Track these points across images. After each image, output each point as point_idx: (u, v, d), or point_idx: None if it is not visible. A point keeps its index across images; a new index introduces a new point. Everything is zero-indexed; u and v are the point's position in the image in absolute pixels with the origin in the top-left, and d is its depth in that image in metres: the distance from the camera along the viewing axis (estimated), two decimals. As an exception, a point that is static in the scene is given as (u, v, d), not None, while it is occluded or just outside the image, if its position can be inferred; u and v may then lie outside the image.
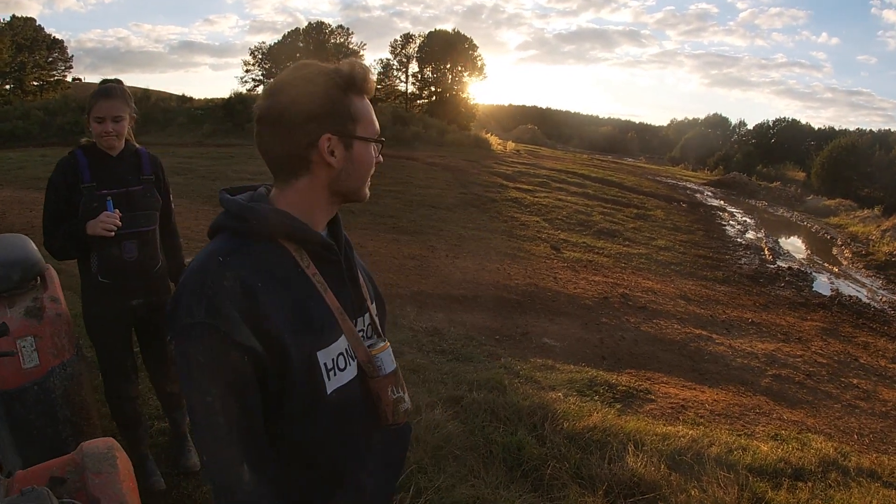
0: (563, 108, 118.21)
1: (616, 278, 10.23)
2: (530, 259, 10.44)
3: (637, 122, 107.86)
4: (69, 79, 56.41)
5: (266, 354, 1.12)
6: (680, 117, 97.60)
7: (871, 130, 50.95)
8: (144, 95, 28.60)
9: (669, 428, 4.43)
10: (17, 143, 27.94)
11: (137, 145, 2.92)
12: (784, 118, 62.84)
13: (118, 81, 2.82)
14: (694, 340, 7.68)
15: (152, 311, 3.00)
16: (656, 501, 3.28)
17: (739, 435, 4.74)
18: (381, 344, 1.31)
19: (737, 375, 6.76)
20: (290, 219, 1.20)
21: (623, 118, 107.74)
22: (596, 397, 5.00)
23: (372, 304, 1.38)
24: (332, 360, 1.23)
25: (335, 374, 1.23)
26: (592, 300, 8.64)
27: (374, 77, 1.29)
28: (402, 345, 5.48)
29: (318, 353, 1.21)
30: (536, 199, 16.61)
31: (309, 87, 1.19)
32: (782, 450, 4.38)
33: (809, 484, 3.89)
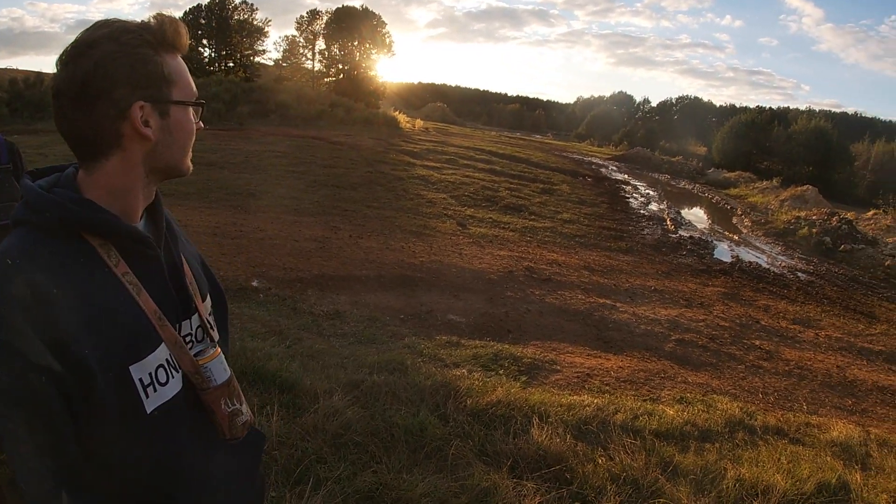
0: (473, 87, 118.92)
1: (521, 252, 10.27)
2: (436, 236, 10.33)
3: (545, 99, 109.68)
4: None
5: (66, 374, 0.96)
6: (586, 95, 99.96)
7: (770, 108, 53.82)
8: (38, 79, 26.42)
9: (574, 397, 4.45)
10: None
11: None
12: (687, 96, 65.97)
13: None
14: (598, 309, 7.80)
15: None
16: (563, 473, 3.23)
17: (645, 400, 4.81)
18: (212, 351, 1.18)
19: (641, 342, 6.91)
20: (92, 210, 1.02)
21: (531, 96, 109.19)
22: (501, 371, 4.97)
23: (203, 301, 1.24)
24: (150, 374, 1.07)
25: (154, 391, 1.08)
26: (497, 275, 8.63)
27: (187, 30, 1.12)
28: (302, 330, 5.30)
29: (131, 368, 1.05)
30: (443, 177, 16.49)
31: (114, 46, 1.00)
32: (688, 413, 4.48)
33: (717, 445, 3.98)
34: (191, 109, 1.12)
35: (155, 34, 1.04)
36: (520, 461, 3.29)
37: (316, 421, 3.27)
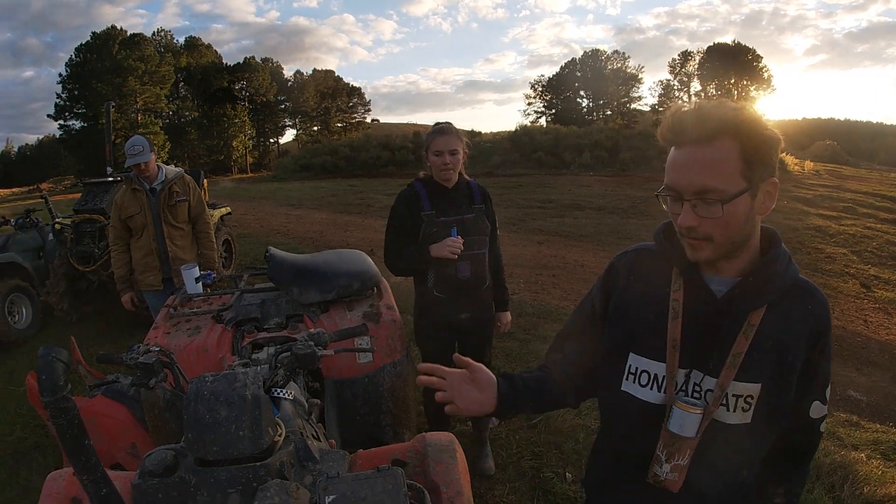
0: (863, 119, 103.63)
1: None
2: (837, 297, 9.33)
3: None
4: (368, 120, 64.49)
5: (602, 309, 1.52)
6: None
7: None
8: None
9: None
10: (327, 174, 32.20)
11: (468, 177, 3.18)
12: None
13: (449, 123, 3.07)
14: None
15: (476, 325, 3.25)
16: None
17: None
18: (692, 407, 1.29)
19: None
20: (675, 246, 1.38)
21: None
22: (902, 464, 4.33)
23: (741, 380, 1.28)
24: (637, 369, 1.39)
25: (633, 382, 1.40)
26: (913, 350, 7.40)
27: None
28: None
29: (631, 353, 1.41)
30: (842, 228, 14.75)
31: None
32: None
33: None
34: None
35: None
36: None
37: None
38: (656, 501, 1.38)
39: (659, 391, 1.35)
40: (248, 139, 59.15)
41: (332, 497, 1.27)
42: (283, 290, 3.08)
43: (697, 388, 1.31)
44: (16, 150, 69.38)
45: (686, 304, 1.33)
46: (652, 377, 1.35)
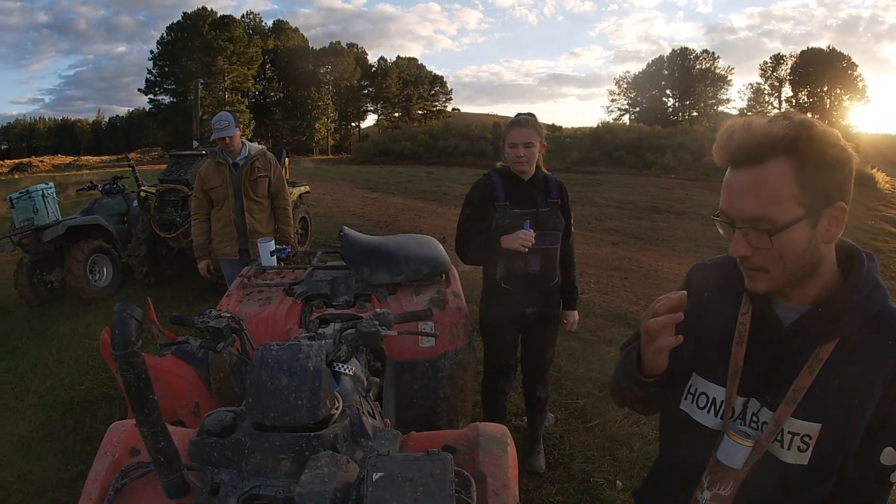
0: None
1: None
2: None
3: None
4: (449, 109, 64.87)
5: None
6: None
7: None
8: None
9: None
10: (405, 160, 32.67)
11: (546, 171, 3.12)
12: None
13: (530, 114, 3.03)
14: None
15: (542, 321, 3.20)
16: None
17: None
18: (744, 439, 1.21)
19: None
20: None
21: None
22: None
23: (800, 418, 1.17)
24: (696, 390, 1.32)
25: (690, 402, 1.33)
26: None
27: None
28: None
29: (694, 373, 1.33)
30: None
31: None
32: None
33: None
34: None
35: None
36: None
37: None
38: None
39: (715, 416, 1.27)
40: (331, 122, 60.49)
41: (379, 474, 1.28)
42: (353, 270, 3.13)
43: (754, 419, 1.23)
44: (106, 120, 73.81)
45: (753, 330, 1.24)
46: (710, 401, 1.29)
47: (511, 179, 3.03)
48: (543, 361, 3.36)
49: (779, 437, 1.18)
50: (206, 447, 1.47)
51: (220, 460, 1.47)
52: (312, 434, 1.44)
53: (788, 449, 1.17)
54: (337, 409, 1.57)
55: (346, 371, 1.88)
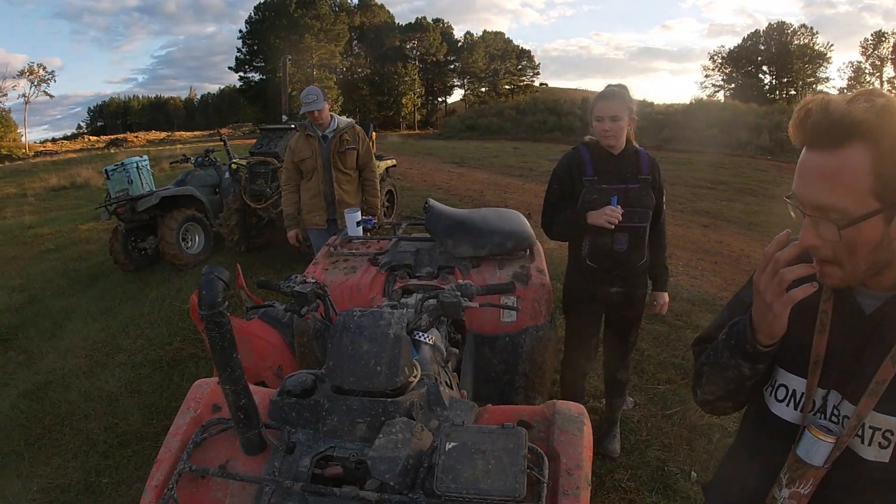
0: None
1: None
2: None
3: None
4: (537, 83, 63.89)
5: None
6: None
7: None
8: None
9: None
10: (491, 136, 32.46)
11: (637, 146, 2.96)
12: None
13: (621, 86, 2.87)
14: None
15: (627, 301, 3.08)
16: None
17: None
18: (825, 435, 1.13)
19: None
20: None
21: None
22: None
23: (879, 411, 1.09)
24: (776, 382, 1.24)
25: (770, 396, 1.26)
26: None
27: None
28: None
29: (778, 367, 1.24)
30: None
31: None
32: None
33: None
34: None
35: None
36: None
37: None
38: None
39: (795, 409, 1.20)
40: (417, 97, 60.77)
41: (452, 444, 1.29)
42: (437, 242, 3.13)
43: (836, 412, 1.14)
44: (198, 97, 76.88)
45: (834, 318, 1.15)
46: (790, 393, 1.21)
47: (600, 154, 2.90)
48: (626, 344, 3.27)
49: (860, 433, 1.10)
50: (286, 407, 1.52)
51: (297, 420, 1.51)
52: (389, 400, 1.46)
53: (869, 445, 1.09)
54: (415, 377, 1.58)
55: (426, 340, 1.89)
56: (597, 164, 2.89)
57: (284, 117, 8.44)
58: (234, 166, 8.15)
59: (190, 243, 7.71)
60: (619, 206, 2.78)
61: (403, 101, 58.39)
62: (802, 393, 1.18)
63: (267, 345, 3.00)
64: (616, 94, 2.81)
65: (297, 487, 1.34)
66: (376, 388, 1.48)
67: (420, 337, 1.87)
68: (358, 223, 3.65)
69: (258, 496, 1.38)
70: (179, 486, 1.43)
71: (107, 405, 4.36)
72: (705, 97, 43.08)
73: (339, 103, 50.96)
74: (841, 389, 1.13)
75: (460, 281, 1.96)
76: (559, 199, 2.99)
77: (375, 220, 3.92)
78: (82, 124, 75.77)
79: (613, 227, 2.78)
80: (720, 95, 50.74)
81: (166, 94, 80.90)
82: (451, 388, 1.95)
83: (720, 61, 54.69)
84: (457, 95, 65.32)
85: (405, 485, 1.28)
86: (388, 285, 2.89)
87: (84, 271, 8.11)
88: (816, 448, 1.13)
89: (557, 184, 2.99)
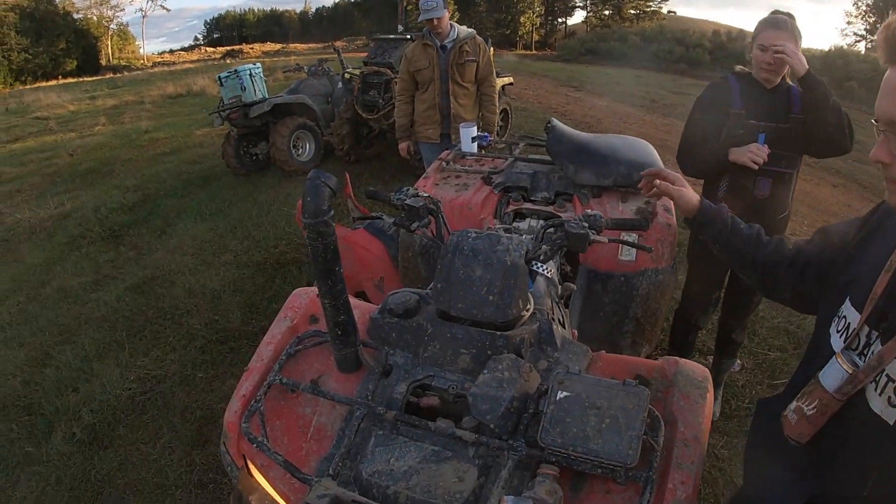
0: None
1: None
2: None
3: None
4: (665, 10, 60.06)
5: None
6: None
7: None
8: (740, 35, 28.31)
9: None
10: (613, 61, 30.83)
11: (790, 82, 2.61)
12: None
13: (789, 15, 2.55)
14: None
15: None
16: None
17: None
18: (848, 365, 1.12)
19: None
20: None
21: None
22: None
23: (894, 349, 1.05)
24: (842, 311, 1.19)
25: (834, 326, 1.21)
26: None
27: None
28: None
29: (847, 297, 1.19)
30: None
31: None
32: None
33: None
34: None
35: None
36: None
37: None
38: (786, 451, 1.24)
39: (842, 341, 1.16)
40: (536, 16, 58.60)
41: (565, 393, 1.16)
42: (557, 165, 2.90)
43: (871, 352, 1.09)
44: (313, 10, 77.07)
45: None
46: (845, 325, 1.16)
47: (751, 86, 2.60)
48: (749, 303, 3.00)
49: (877, 378, 1.06)
50: (386, 326, 1.44)
51: (397, 342, 1.43)
52: (498, 333, 1.35)
53: (880, 394, 1.06)
54: (528, 310, 1.45)
55: (545, 272, 1.74)
56: (746, 98, 2.59)
57: (400, 27, 8.29)
58: (346, 76, 8.16)
59: (300, 151, 7.83)
60: (767, 146, 2.49)
61: (521, 19, 56.50)
62: (855, 328, 1.13)
63: (370, 255, 2.97)
64: (786, 23, 2.49)
65: (389, 415, 1.26)
66: (485, 319, 1.36)
67: (538, 268, 1.72)
68: (473, 139, 3.49)
69: (347, 418, 1.32)
70: (268, 398, 1.38)
71: (209, 302, 4.52)
72: (845, 46, 39.04)
73: (455, 19, 50.05)
74: (878, 329, 1.10)
75: (588, 211, 1.74)
76: (700, 130, 2.69)
77: (491, 138, 3.74)
78: (199, 36, 77.73)
79: (757, 167, 2.49)
80: (861, 46, 46.09)
81: (281, 8, 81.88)
82: (564, 326, 1.81)
83: (865, 9, 49.46)
84: (578, 17, 62.65)
85: (506, 429, 1.18)
86: (501, 207, 2.74)
87: (196, 174, 8.43)
88: (832, 371, 1.13)
89: (700, 113, 2.70)
